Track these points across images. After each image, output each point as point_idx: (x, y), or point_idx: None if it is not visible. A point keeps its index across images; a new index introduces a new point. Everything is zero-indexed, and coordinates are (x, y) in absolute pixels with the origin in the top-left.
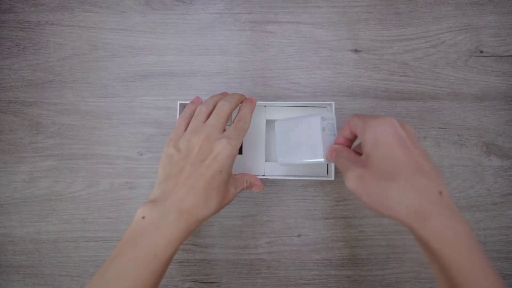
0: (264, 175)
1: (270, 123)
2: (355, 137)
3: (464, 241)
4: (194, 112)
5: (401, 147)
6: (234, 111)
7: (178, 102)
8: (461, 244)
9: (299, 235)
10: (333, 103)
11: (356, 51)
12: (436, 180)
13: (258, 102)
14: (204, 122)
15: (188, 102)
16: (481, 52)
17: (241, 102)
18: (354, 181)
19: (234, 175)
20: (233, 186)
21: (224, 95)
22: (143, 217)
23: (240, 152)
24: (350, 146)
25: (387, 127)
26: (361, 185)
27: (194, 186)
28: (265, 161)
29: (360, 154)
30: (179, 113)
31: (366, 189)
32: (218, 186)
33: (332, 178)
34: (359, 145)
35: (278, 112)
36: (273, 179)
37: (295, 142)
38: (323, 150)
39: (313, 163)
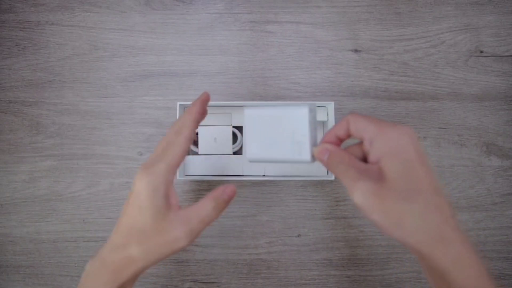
0: (264, 175)
1: None
2: (349, 137)
3: (478, 268)
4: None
5: (422, 164)
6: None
7: (178, 103)
8: (478, 273)
9: (299, 235)
10: (332, 102)
11: (356, 51)
12: (448, 201)
13: (257, 102)
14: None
15: (188, 102)
16: (481, 52)
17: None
18: (367, 197)
19: (190, 205)
20: (177, 223)
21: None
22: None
23: (241, 152)
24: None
25: (408, 139)
26: (375, 202)
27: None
28: None
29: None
30: (179, 114)
31: (381, 207)
32: (139, 232)
33: (332, 178)
34: (355, 147)
35: None
36: (273, 179)
37: (272, 136)
38: (309, 148)
39: (295, 161)
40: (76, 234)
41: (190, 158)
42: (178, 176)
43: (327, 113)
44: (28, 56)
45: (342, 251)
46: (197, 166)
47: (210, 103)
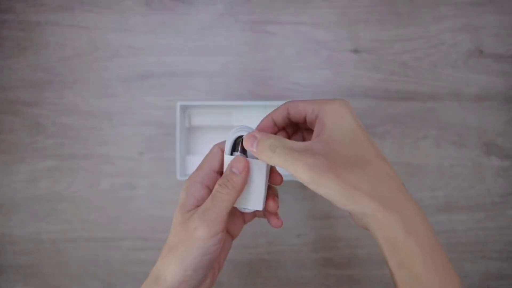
0: None
1: None
2: (286, 123)
3: (429, 230)
4: None
5: (365, 134)
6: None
7: (179, 104)
8: (430, 234)
9: (299, 235)
10: None
11: (356, 51)
12: (395, 170)
13: (258, 102)
14: None
15: (188, 102)
16: (481, 52)
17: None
18: (317, 171)
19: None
20: (194, 216)
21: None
22: None
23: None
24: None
25: (348, 111)
26: (328, 174)
27: None
28: None
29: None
30: (180, 115)
31: (335, 178)
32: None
33: None
34: (283, 133)
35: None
36: None
37: None
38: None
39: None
40: (76, 234)
41: (190, 158)
42: (179, 176)
43: None
44: (28, 56)
45: (342, 250)
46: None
47: (210, 103)
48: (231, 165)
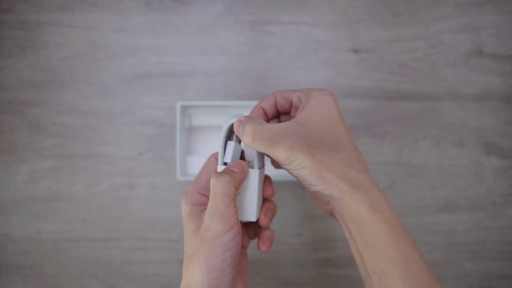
0: None
1: None
2: (274, 113)
3: (391, 211)
4: None
5: (343, 123)
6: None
7: (179, 104)
8: (393, 215)
9: (298, 235)
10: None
11: (355, 51)
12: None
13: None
14: None
15: (188, 102)
16: (481, 52)
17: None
18: (296, 150)
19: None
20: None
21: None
22: None
23: None
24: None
25: (332, 100)
26: (306, 154)
27: None
28: None
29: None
30: (180, 115)
31: (311, 158)
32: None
33: None
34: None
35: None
36: (273, 179)
37: None
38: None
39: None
40: (76, 234)
41: (190, 158)
42: (179, 176)
43: None
44: (28, 56)
45: (342, 250)
46: (197, 166)
47: (210, 103)
48: (231, 166)
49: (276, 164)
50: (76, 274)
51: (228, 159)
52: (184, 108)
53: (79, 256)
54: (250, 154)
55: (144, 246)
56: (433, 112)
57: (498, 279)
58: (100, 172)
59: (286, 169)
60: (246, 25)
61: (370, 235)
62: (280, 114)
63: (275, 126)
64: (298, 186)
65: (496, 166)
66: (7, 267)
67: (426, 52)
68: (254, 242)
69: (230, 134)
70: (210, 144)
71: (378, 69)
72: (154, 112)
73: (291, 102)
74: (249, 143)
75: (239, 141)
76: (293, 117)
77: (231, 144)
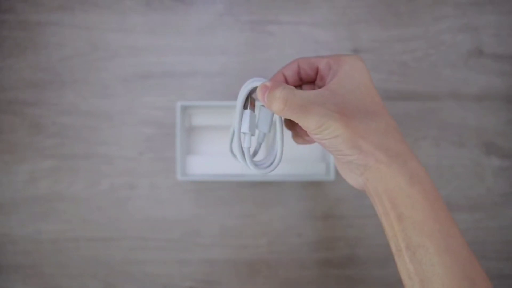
0: (264, 176)
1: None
2: (296, 82)
3: (430, 183)
4: None
5: (374, 89)
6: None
7: (179, 104)
8: (431, 186)
9: (299, 235)
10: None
11: (356, 51)
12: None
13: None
14: None
15: (188, 102)
16: (481, 52)
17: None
18: (329, 117)
19: None
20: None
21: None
22: None
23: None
24: None
25: (363, 65)
26: (340, 122)
27: None
28: None
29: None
30: (180, 115)
31: (346, 125)
32: None
33: (333, 178)
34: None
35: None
36: (273, 179)
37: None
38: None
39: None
40: (76, 234)
41: (190, 158)
42: (179, 176)
43: None
44: (28, 56)
45: (342, 250)
46: (197, 166)
47: (210, 103)
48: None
49: (299, 139)
50: (76, 274)
51: (245, 129)
52: (184, 108)
53: (79, 256)
54: (264, 122)
55: (144, 246)
56: (433, 112)
57: (498, 279)
58: (100, 172)
59: (316, 139)
60: (246, 25)
61: (406, 207)
62: (302, 84)
63: (307, 92)
64: (298, 186)
65: (496, 166)
66: (7, 267)
67: (426, 52)
68: (252, 242)
69: (245, 104)
70: (211, 144)
71: (378, 69)
72: (154, 112)
73: (317, 70)
74: (279, 110)
75: (253, 109)
76: (319, 87)
77: (247, 112)
